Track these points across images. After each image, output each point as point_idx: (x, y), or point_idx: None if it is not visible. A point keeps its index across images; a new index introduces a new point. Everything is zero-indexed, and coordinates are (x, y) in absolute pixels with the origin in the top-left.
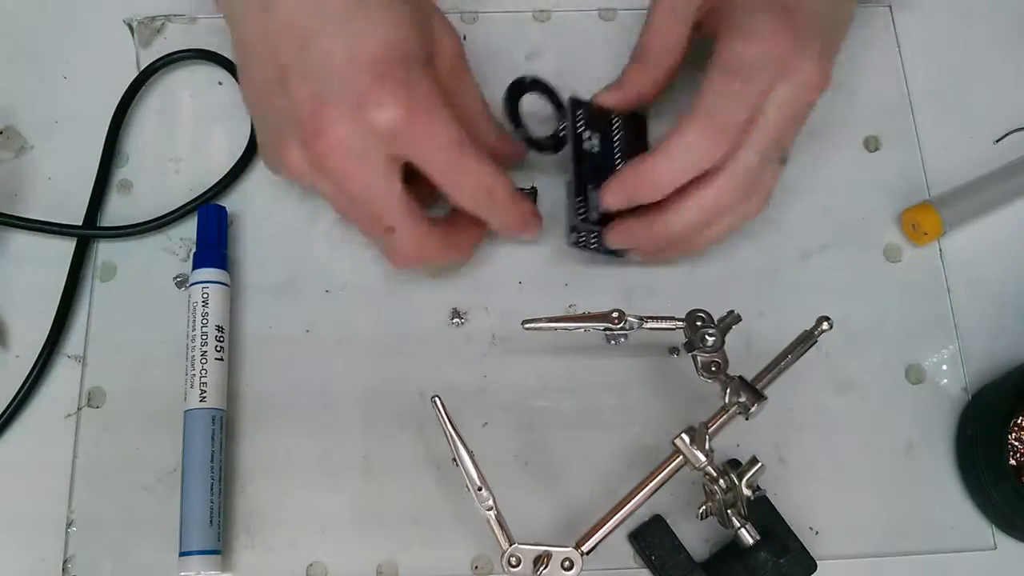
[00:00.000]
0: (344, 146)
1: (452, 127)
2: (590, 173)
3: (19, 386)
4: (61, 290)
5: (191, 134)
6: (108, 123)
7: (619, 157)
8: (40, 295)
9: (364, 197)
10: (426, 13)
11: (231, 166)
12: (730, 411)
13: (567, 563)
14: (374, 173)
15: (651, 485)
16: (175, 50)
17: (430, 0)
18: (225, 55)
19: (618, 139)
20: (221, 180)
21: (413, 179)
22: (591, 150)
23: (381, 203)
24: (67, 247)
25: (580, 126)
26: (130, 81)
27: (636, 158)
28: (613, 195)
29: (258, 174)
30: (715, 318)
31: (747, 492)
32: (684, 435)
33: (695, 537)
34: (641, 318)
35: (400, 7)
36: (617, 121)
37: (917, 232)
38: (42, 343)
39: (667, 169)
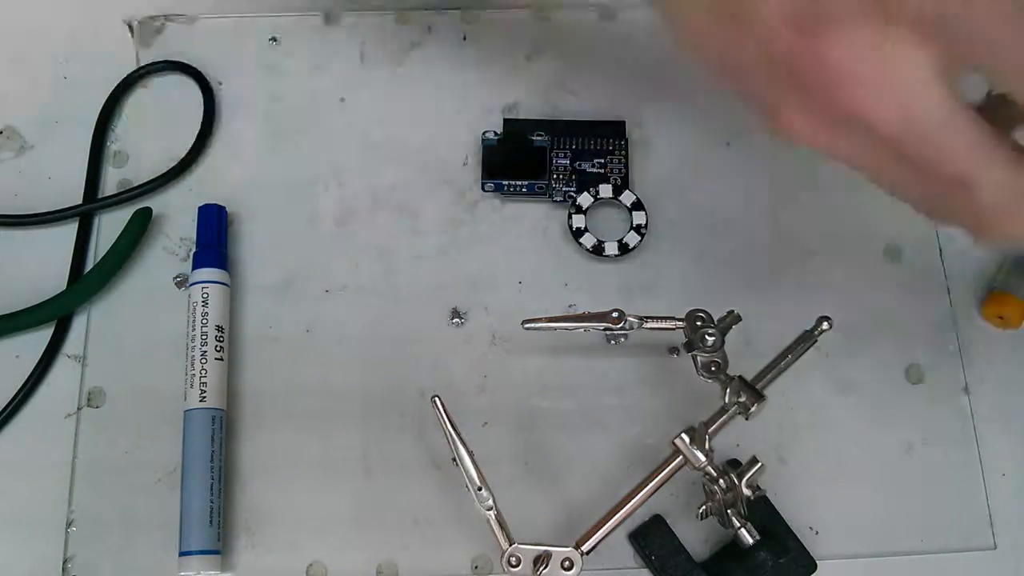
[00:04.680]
0: (857, 69)
1: None
2: None
3: (19, 386)
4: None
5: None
6: (106, 124)
7: None
8: (45, 292)
9: (913, 131)
10: None
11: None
12: (730, 411)
13: (567, 563)
14: (919, 91)
15: (651, 485)
16: (152, 61)
17: None
18: (210, 63)
19: None
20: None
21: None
22: None
23: (943, 136)
24: (69, 239)
25: None
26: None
27: None
28: None
29: (259, 174)
30: (715, 318)
31: (747, 492)
32: (684, 435)
33: (695, 537)
34: (641, 318)
35: None
36: None
37: (1007, 322)
38: (44, 342)
39: None
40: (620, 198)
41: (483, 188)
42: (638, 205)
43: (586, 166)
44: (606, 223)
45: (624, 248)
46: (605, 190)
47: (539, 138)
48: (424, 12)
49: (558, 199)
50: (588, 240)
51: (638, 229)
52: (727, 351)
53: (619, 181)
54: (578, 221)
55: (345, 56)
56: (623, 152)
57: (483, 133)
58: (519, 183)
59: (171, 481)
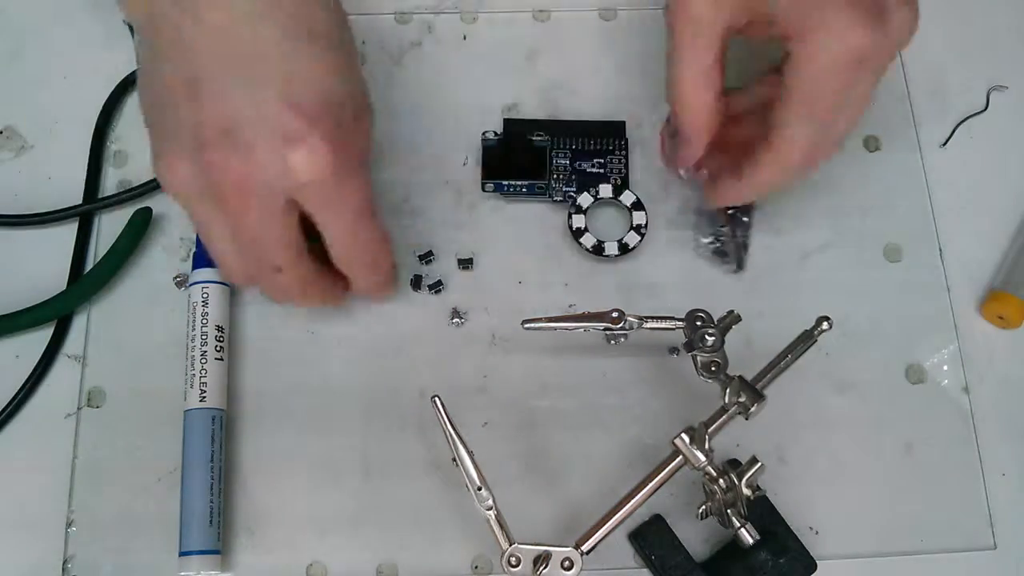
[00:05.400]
0: (250, 180)
1: (364, 192)
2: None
3: (19, 386)
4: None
5: None
6: (106, 124)
7: None
8: (45, 292)
9: (256, 235)
10: (359, 72)
11: None
12: (730, 411)
13: (567, 563)
14: (274, 214)
15: (651, 485)
16: None
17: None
18: None
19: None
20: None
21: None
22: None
23: (273, 244)
24: (69, 239)
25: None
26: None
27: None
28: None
29: None
30: (715, 318)
31: (747, 492)
32: (684, 435)
33: (695, 537)
34: (641, 318)
35: (346, 57)
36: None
37: (1007, 322)
38: (44, 342)
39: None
40: (620, 198)
41: (483, 188)
42: (638, 205)
43: (586, 166)
44: (606, 223)
45: (624, 248)
46: (605, 190)
47: (539, 138)
48: (424, 12)
49: (558, 199)
50: (588, 240)
51: (638, 229)
52: (727, 351)
53: (619, 181)
54: (578, 221)
55: None
56: (623, 152)
57: (483, 133)
58: (519, 183)
59: (171, 481)
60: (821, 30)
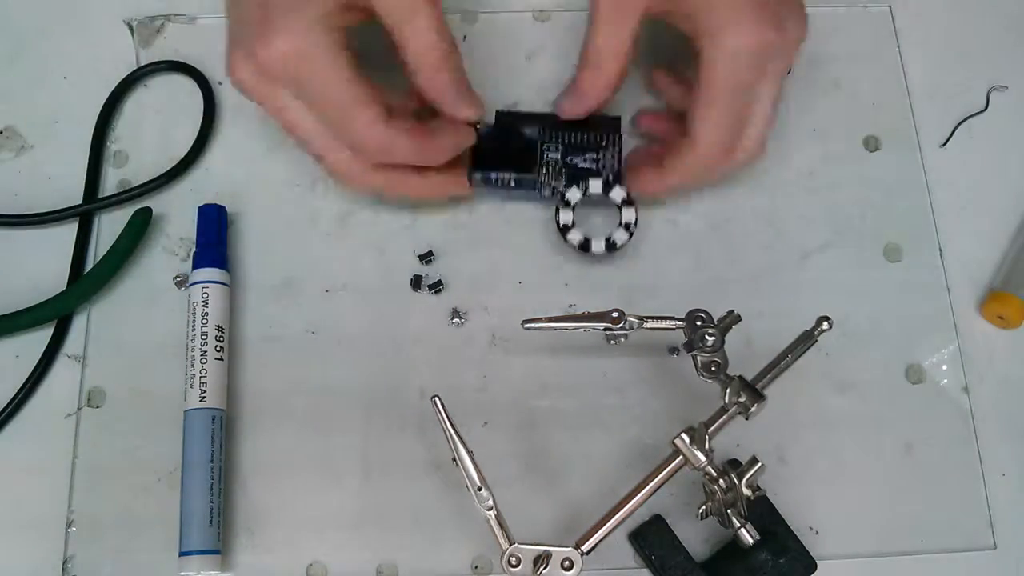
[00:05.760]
0: (293, 50)
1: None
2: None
3: (19, 386)
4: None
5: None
6: (106, 124)
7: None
8: (45, 292)
9: (320, 94)
10: None
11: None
12: (730, 411)
13: (567, 563)
14: (324, 60)
15: (651, 485)
16: (152, 61)
17: None
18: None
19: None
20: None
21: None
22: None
23: (333, 90)
24: (69, 239)
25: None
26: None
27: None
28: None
29: (259, 174)
30: (715, 318)
31: (747, 492)
32: (684, 435)
33: (695, 537)
34: (641, 318)
35: None
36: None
37: (1007, 322)
38: (44, 342)
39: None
40: (610, 195)
41: (470, 179)
42: (628, 202)
43: (578, 161)
44: (597, 220)
45: (612, 246)
46: (595, 185)
47: (529, 130)
48: None
49: (547, 194)
50: (575, 237)
51: (627, 227)
52: (727, 351)
53: (610, 177)
54: (565, 217)
55: None
56: (617, 148)
57: (475, 126)
58: (507, 175)
59: (171, 481)
60: (731, 27)
